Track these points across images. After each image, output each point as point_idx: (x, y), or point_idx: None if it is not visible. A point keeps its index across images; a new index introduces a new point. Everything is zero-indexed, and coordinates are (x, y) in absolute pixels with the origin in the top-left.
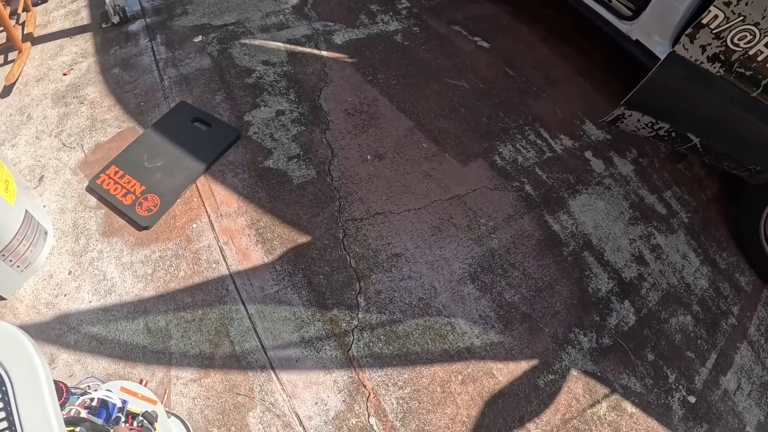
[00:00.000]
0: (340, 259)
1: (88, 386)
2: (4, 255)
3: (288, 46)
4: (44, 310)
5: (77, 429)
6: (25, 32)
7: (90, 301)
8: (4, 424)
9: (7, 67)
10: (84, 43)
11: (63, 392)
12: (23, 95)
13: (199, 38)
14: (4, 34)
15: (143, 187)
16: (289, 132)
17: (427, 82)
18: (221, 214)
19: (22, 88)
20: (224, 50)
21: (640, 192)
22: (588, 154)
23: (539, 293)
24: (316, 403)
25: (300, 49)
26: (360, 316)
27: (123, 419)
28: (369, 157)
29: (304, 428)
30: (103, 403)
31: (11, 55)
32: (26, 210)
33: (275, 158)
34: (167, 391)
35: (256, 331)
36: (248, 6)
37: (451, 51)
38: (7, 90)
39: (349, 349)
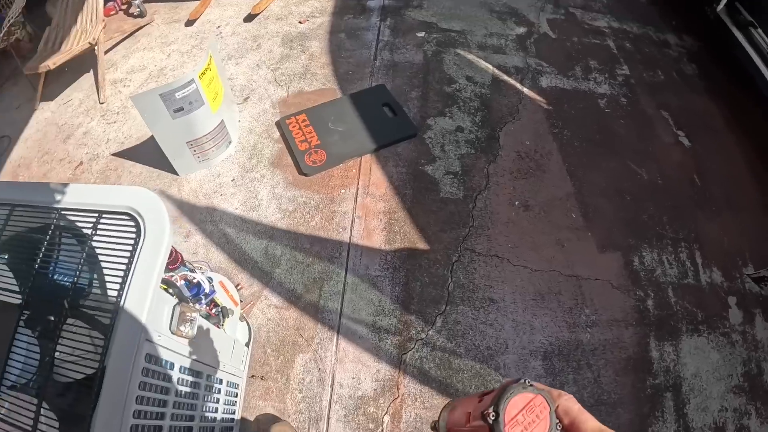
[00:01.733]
0: (443, 277)
1: (200, 267)
2: (191, 145)
3: (496, 71)
4: (201, 198)
5: (169, 290)
6: None
7: (237, 209)
8: (125, 261)
9: None
10: (326, 1)
11: (179, 260)
12: (261, 27)
13: (422, 34)
14: None
15: (318, 142)
16: (459, 149)
17: (608, 156)
18: (368, 193)
19: (262, 20)
20: (438, 53)
21: (763, 365)
22: (731, 300)
23: (598, 404)
24: (353, 378)
25: (505, 77)
26: (430, 333)
27: (205, 303)
28: (517, 203)
29: (332, 390)
30: (198, 284)
31: None
32: (222, 120)
33: (435, 167)
34: (252, 303)
35: (342, 297)
36: (477, 20)
37: (648, 135)
38: (251, 17)
39: (404, 353)
